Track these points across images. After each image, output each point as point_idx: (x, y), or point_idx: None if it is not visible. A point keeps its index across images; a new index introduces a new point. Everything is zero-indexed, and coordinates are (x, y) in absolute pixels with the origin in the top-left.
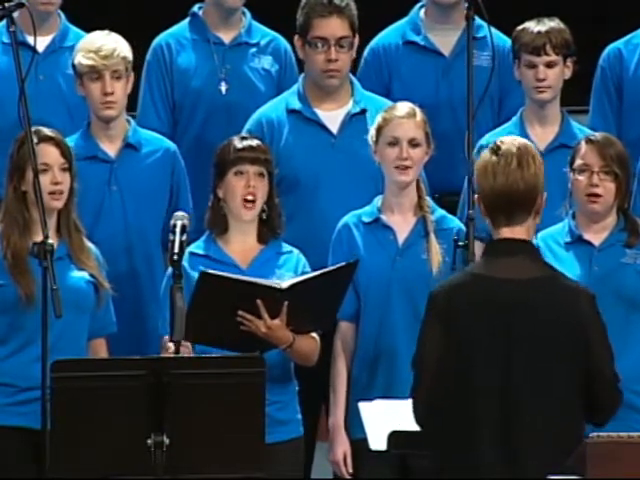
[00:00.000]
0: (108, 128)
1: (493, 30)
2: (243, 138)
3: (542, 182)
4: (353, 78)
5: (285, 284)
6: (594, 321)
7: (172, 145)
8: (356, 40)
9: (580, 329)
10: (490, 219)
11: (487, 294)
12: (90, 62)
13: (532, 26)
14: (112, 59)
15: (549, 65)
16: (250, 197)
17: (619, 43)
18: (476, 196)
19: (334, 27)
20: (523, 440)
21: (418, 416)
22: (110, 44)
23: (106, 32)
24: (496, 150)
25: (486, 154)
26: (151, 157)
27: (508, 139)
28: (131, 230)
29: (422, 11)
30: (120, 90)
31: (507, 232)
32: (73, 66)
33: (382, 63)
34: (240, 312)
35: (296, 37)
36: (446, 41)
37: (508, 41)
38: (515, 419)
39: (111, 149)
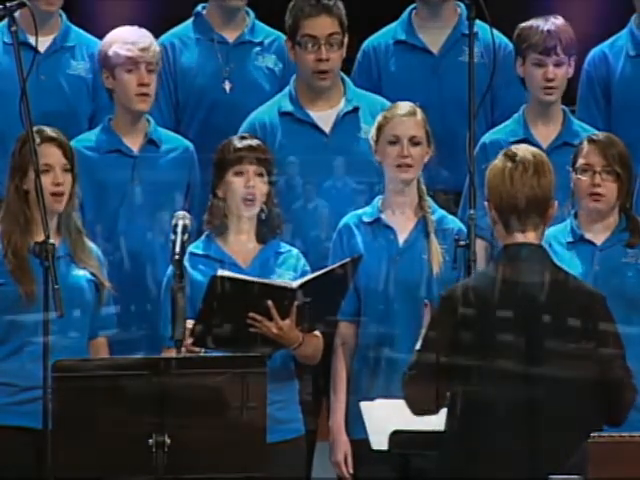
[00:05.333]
0: (133, 123)
1: (486, 27)
2: (242, 138)
3: (553, 192)
4: (345, 77)
5: (295, 283)
6: (607, 322)
7: (190, 144)
8: (346, 39)
9: (595, 330)
10: (503, 224)
11: (506, 297)
12: (128, 53)
13: (541, 25)
14: (149, 52)
15: (557, 64)
16: (250, 197)
17: (603, 46)
18: (486, 203)
19: (323, 25)
20: (542, 435)
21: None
22: (145, 38)
23: (135, 27)
24: (512, 157)
25: (501, 161)
26: (171, 154)
27: (522, 147)
28: (151, 224)
29: (414, 12)
30: (153, 83)
31: (521, 237)
32: (104, 58)
33: (372, 63)
34: (251, 314)
35: (286, 39)
36: (435, 39)
37: (499, 37)
38: (536, 420)
39: (134, 144)
